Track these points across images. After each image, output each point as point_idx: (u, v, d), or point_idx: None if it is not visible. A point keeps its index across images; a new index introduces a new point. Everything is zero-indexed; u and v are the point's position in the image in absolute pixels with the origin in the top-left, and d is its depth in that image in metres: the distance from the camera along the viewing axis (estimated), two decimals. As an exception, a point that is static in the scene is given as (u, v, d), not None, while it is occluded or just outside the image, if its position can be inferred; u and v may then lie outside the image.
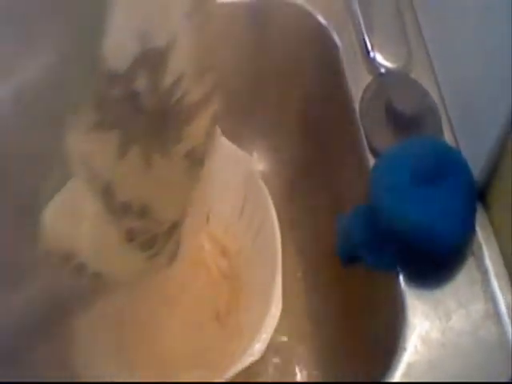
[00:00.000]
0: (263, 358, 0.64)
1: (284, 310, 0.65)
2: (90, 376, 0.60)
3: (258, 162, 0.74)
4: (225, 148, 0.73)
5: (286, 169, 0.83)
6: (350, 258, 0.64)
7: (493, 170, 0.60)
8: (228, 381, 0.63)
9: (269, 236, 0.69)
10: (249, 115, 0.81)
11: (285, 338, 0.75)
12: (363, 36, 0.69)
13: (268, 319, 0.65)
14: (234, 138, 0.74)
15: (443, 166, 0.59)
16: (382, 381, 0.57)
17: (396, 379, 0.57)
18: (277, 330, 0.64)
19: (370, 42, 0.69)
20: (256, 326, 0.65)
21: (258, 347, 0.64)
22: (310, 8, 0.72)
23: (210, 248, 0.75)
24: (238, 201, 0.75)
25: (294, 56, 0.76)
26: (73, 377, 0.58)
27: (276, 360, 0.75)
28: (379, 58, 0.68)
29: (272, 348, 0.66)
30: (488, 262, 0.60)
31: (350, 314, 0.72)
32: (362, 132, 0.66)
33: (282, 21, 0.74)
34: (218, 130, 0.69)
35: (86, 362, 0.61)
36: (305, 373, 0.75)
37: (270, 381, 0.74)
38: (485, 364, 0.57)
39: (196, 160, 0.51)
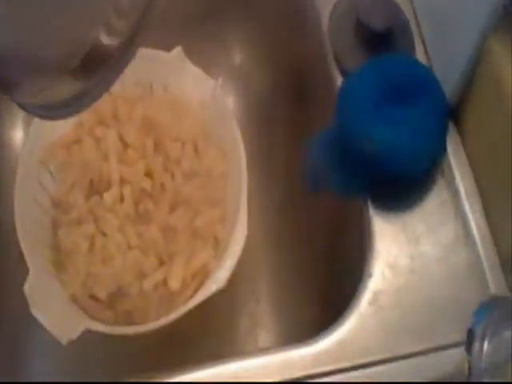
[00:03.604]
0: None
1: (249, 238, 0.62)
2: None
3: (223, 87, 0.71)
4: (189, 71, 0.70)
5: (255, 96, 0.80)
6: (317, 182, 0.62)
7: (466, 90, 0.57)
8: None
9: (235, 160, 0.67)
10: (214, 33, 0.78)
11: (248, 267, 0.72)
12: None
13: (232, 246, 0.62)
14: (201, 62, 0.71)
15: (414, 84, 0.57)
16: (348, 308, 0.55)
17: (362, 307, 0.55)
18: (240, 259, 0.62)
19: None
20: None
21: (223, 274, 0.62)
22: None
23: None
24: (203, 124, 0.72)
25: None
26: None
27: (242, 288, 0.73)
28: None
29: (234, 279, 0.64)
30: (459, 183, 0.58)
31: (316, 238, 0.70)
32: (332, 51, 0.63)
33: None
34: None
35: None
36: (265, 299, 0.73)
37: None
38: (455, 291, 0.55)
39: None
